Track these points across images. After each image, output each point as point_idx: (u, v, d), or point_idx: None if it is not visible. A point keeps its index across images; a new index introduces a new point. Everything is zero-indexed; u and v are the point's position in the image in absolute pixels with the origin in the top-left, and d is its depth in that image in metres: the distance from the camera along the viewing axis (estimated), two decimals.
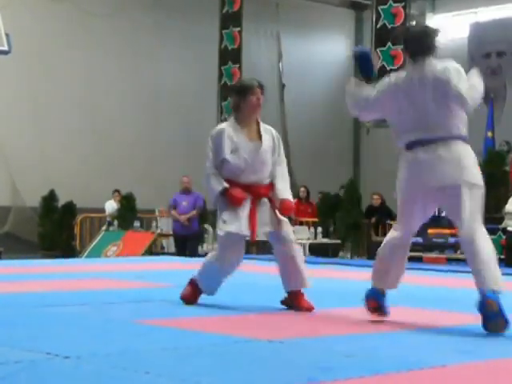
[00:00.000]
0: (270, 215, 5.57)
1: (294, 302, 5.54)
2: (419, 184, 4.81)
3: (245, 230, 5.44)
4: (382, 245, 5.02)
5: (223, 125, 5.70)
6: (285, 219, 5.61)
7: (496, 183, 13.63)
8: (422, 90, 4.81)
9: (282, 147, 5.75)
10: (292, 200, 5.70)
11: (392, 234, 5.01)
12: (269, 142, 5.64)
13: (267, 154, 5.60)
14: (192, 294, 5.65)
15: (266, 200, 5.59)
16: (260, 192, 5.57)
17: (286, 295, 5.61)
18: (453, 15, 22.46)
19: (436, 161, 4.74)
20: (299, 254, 5.62)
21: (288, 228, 5.61)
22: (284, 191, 5.62)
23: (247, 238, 5.52)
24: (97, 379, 3.19)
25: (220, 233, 5.49)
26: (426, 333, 4.65)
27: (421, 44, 4.89)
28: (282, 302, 5.62)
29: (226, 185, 5.48)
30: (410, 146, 4.85)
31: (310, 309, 5.47)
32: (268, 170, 5.62)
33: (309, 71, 22.49)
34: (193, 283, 5.66)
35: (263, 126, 5.68)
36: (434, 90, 4.78)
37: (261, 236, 5.70)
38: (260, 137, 5.62)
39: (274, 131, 5.74)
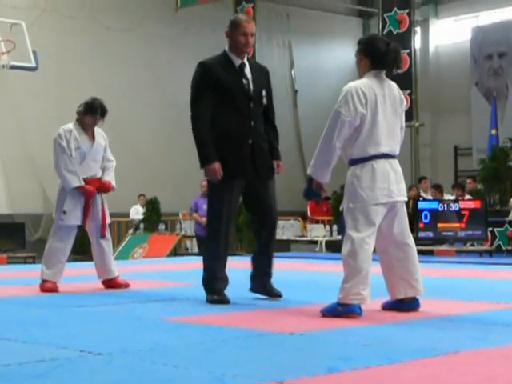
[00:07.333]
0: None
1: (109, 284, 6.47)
2: None
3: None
4: None
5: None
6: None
7: (501, 178, 13.62)
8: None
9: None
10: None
11: None
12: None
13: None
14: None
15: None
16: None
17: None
18: (455, 20, 22.36)
19: None
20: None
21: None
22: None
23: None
24: (128, 374, 3.20)
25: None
26: (439, 321, 4.63)
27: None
28: None
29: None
30: None
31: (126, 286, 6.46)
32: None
33: (320, 77, 22.46)
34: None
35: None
36: None
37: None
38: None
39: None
